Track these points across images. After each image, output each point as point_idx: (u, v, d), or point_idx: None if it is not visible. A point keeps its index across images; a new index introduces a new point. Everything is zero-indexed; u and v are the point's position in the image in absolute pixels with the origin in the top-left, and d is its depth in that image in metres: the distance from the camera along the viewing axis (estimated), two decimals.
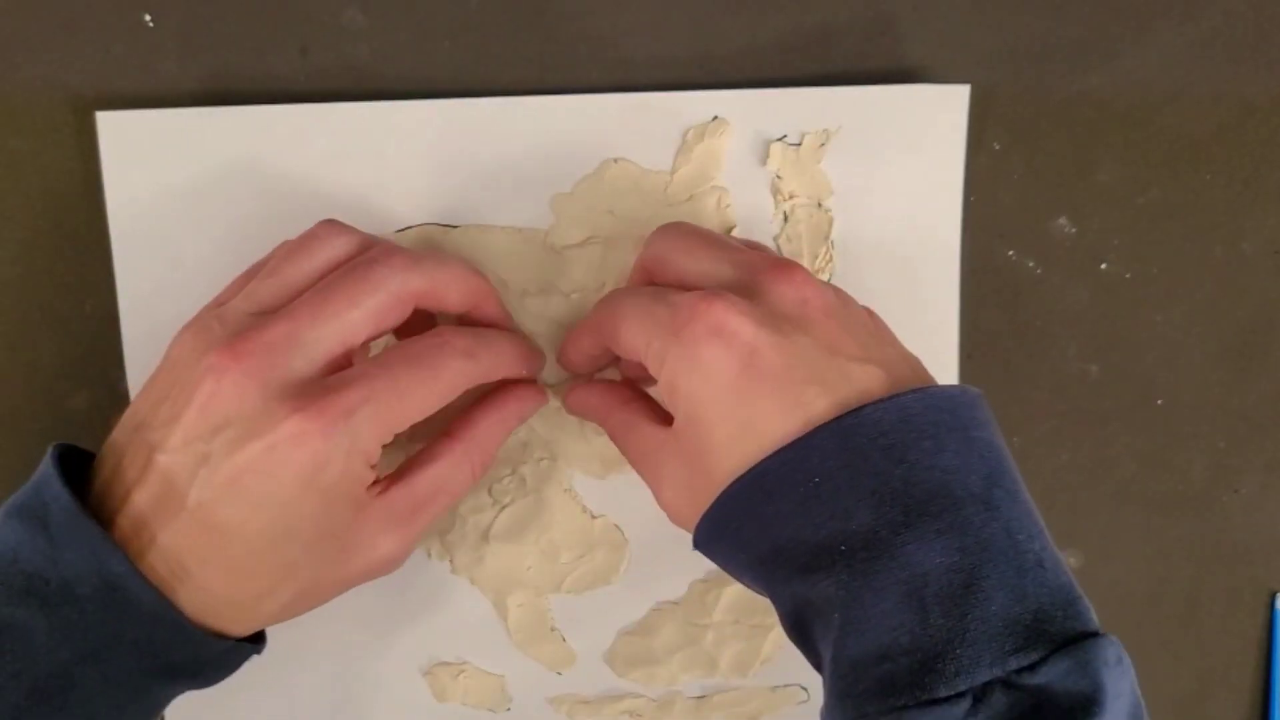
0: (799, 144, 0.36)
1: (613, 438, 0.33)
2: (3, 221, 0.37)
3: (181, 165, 0.36)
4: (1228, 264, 0.38)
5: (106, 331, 0.37)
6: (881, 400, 0.26)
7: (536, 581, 0.38)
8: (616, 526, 0.38)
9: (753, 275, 0.29)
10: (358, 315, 0.29)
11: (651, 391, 0.34)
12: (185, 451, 0.28)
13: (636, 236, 0.36)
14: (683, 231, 0.32)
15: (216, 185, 0.36)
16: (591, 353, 0.33)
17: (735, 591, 0.38)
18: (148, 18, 0.36)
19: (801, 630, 0.28)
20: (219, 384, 0.27)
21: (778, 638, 0.39)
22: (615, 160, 0.36)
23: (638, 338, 0.29)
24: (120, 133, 0.36)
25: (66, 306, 0.38)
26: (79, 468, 0.29)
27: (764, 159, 0.36)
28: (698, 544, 0.30)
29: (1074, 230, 0.38)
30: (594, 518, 0.38)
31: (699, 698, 0.39)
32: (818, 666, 0.28)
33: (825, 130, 0.36)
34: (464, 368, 0.30)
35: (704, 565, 0.38)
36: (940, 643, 0.25)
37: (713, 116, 0.36)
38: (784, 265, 0.29)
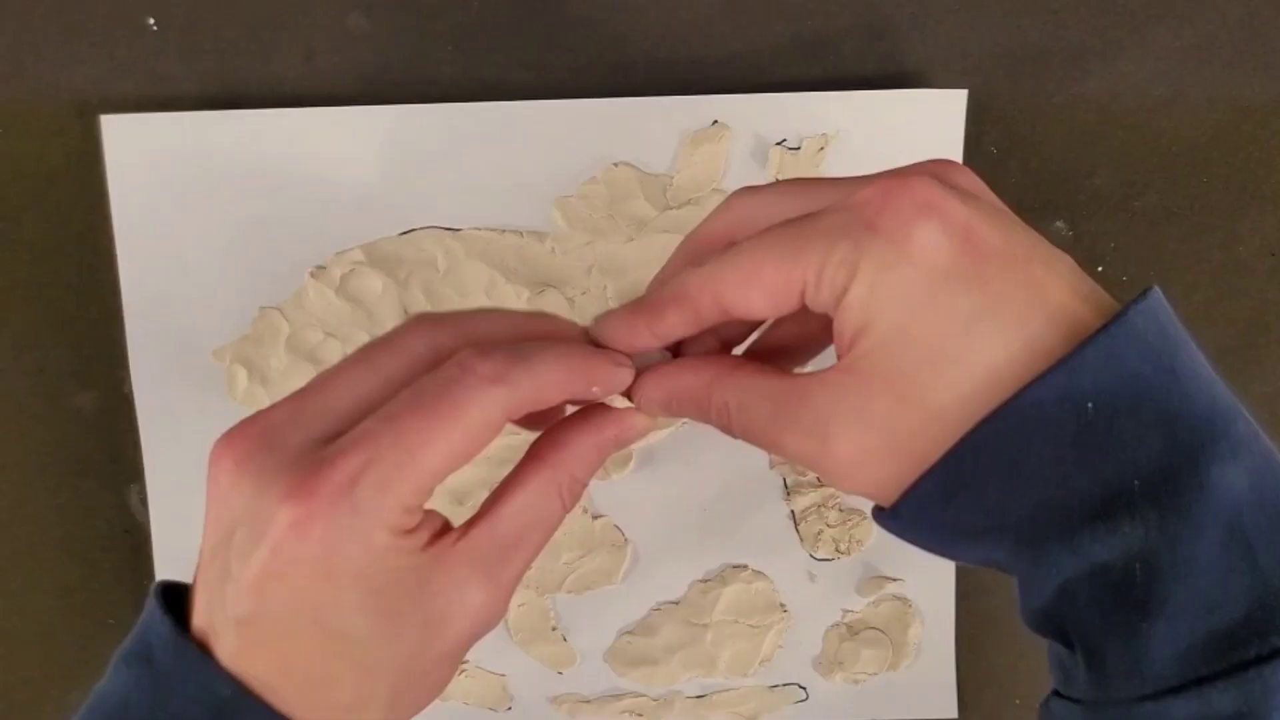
0: (798, 148, 0.36)
1: (727, 414, 0.25)
2: (7, 224, 0.37)
3: (185, 168, 0.36)
4: (1224, 266, 0.38)
5: (111, 333, 0.38)
6: (1139, 301, 0.22)
7: (538, 581, 0.39)
8: (617, 527, 0.38)
9: (910, 173, 0.24)
10: (434, 458, 0.23)
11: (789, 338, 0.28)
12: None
13: (637, 240, 0.37)
14: (767, 187, 0.26)
15: (220, 188, 0.36)
16: (673, 333, 0.26)
17: (734, 592, 0.39)
18: (151, 21, 0.36)
19: (1069, 609, 0.23)
20: (294, 531, 0.23)
21: (776, 638, 0.39)
22: (617, 164, 0.36)
23: (798, 267, 0.23)
24: (124, 136, 0.36)
25: (71, 308, 0.38)
26: (180, 604, 0.26)
27: (764, 163, 0.36)
28: (900, 515, 0.23)
29: (1071, 233, 0.38)
30: (595, 518, 0.38)
31: (698, 697, 0.39)
32: (1067, 655, 0.24)
33: (824, 135, 0.36)
34: (497, 399, 0.24)
35: (703, 565, 0.39)
36: (1276, 580, 0.21)
37: (713, 121, 0.36)
38: (941, 161, 0.25)
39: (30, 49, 0.36)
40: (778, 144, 0.36)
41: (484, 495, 0.38)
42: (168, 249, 0.37)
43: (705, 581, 0.39)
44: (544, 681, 0.39)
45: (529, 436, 0.40)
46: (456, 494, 0.38)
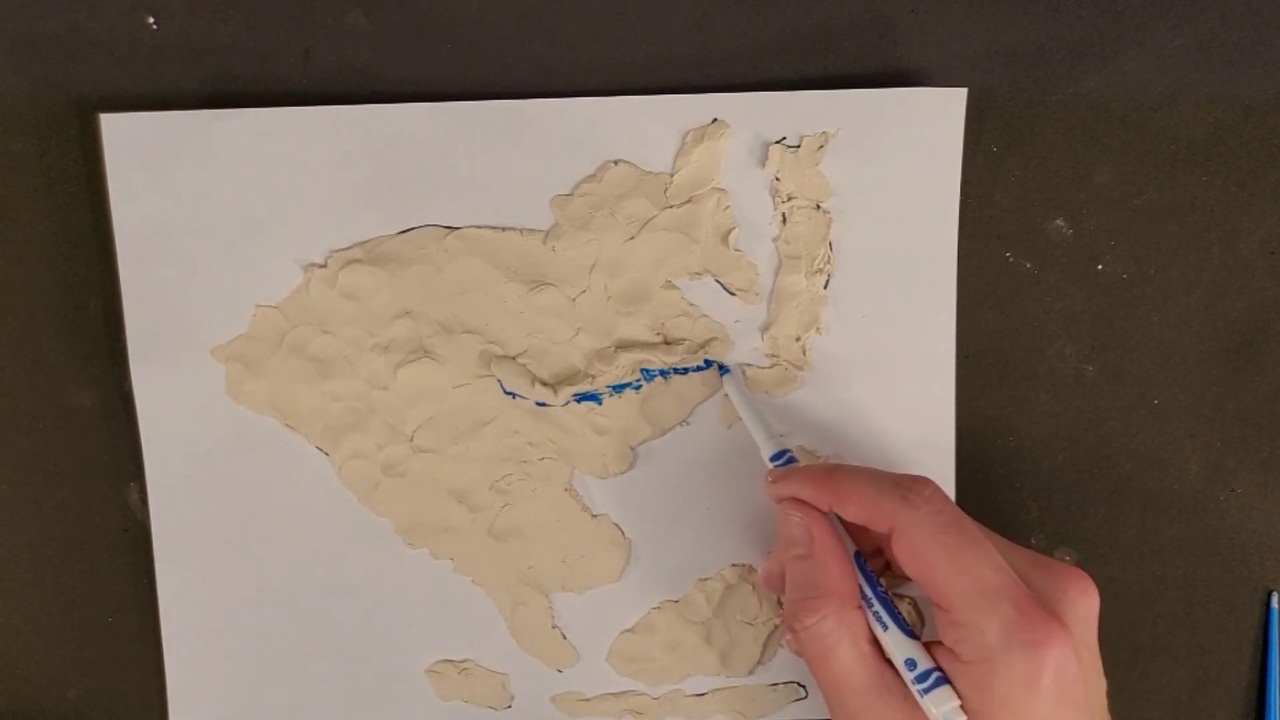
0: (798, 146, 0.36)
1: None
2: (6, 222, 0.37)
3: (184, 167, 0.36)
4: (1224, 265, 0.38)
5: (110, 331, 0.38)
6: None
7: (538, 580, 0.39)
8: (617, 526, 0.38)
9: (1051, 577, 0.31)
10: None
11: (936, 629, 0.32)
12: None
13: (637, 238, 0.37)
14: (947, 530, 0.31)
15: (219, 187, 0.36)
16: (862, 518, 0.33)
17: (734, 590, 0.39)
18: (151, 20, 0.37)
19: None
20: None
21: (776, 637, 0.39)
22: (615, 162, 0.36)
23: (976, 610, 0.29)
24: (124, 135, 0.36)
25: (71, 306, 0.38)
26: None
27: (763, 161, 0.36)
28: None
29: (1071, 231, 0.38)
30: (595, 516, 0.38)
31: (699, 695, 0.39)
32: None
33: (824, 133, 0.36)
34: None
35: (703, 564, 0.39)
36: None
37: (712, 119, 0.36)
38: (1084, 578, 0.31)
39: (29, 47, 0.36)
40: (777, 142, 0.36)
41: (484, 494, 0.38)
42: (167, 247, 0.37)
43: (705, 580, 0.39)
44: (544, 680, 0.39)
45: (531, 436, 0.40)
46: (457, 493, 0.38)
